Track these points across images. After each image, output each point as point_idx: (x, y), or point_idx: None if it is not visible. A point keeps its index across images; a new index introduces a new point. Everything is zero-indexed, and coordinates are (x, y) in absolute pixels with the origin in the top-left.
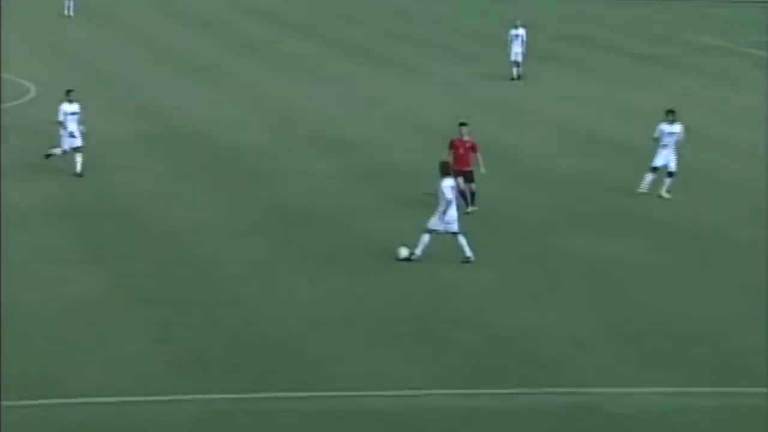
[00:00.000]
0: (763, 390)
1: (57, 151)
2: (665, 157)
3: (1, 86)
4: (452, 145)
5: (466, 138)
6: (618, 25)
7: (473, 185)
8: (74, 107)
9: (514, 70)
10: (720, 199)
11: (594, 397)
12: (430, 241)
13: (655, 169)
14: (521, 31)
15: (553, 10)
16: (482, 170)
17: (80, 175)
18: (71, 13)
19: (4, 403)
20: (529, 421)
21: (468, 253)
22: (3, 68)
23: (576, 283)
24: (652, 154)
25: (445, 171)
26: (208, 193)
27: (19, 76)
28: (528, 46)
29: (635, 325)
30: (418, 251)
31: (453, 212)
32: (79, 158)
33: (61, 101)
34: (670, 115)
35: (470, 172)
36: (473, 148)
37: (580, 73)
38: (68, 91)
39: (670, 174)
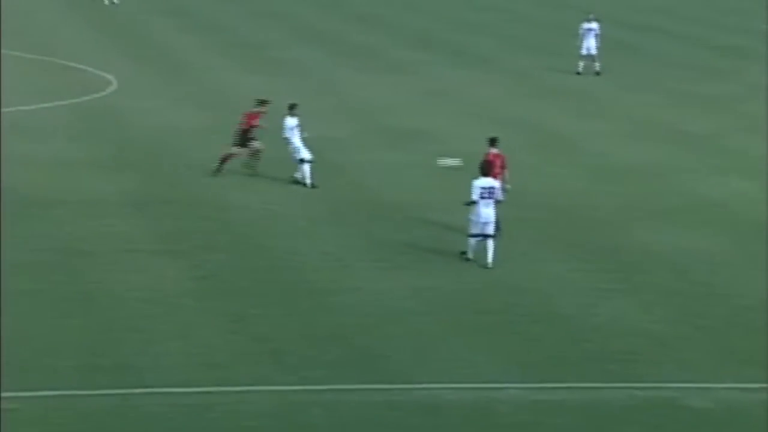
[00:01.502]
0: None
1: (299, 176)
2: None
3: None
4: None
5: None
6: (689, 16)
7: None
8: (296, 120)
9: (581, 64)
10: None
11: (672, 392)
12: (479, 244)
13: None
14: (594, 25)
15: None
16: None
17: (314, 186)
18: (116, 1)
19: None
20: (607, 416)
21: (488, 260)
22: (80, 60)
23: (651, 277)
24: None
25: (482, 171)
26: (283, 184)
27: (98, 68)
28: (601, 39)
29: (713, 319)
30: (470, 254)
31: (482, 213)
32: (307, 169)
33: (284, 115)
34: None
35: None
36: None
37: (653, 64)
38: (291, 105)
39: None
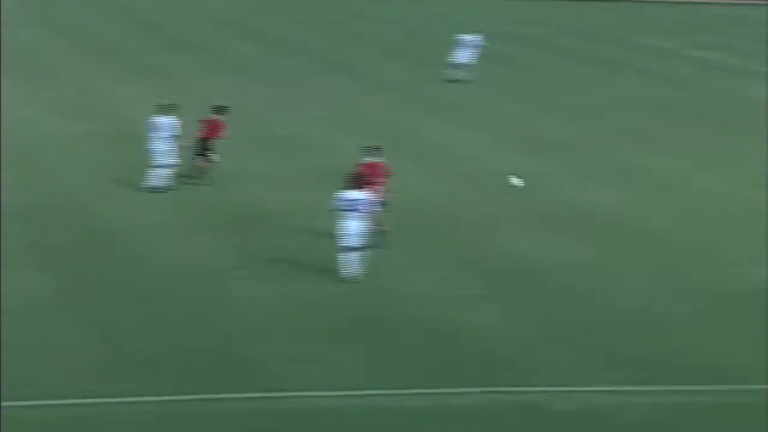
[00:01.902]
0: (707, 387)
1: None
2: None
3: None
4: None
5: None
6: (566, 27)
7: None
8: (165, 122)
9: (455, 72)
10: (661, 198)
11: (535, 396)
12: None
13: None
14: (471, 36)
15: (501, 12)
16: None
17: (171, 190)
18: None
19: None
20: (473, 420)
21: (351, 272)
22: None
23: (517, 282)
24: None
25: (350, 182)
26: (153, 193)
27: None
28: (479, 49)
29: (576, 323)
30: (340, 266)
31: (345, 225)
32: (164, 173)
33: (152, 117)
34: None
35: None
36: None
37: (525, 74)
38: (163, 106)
39: None
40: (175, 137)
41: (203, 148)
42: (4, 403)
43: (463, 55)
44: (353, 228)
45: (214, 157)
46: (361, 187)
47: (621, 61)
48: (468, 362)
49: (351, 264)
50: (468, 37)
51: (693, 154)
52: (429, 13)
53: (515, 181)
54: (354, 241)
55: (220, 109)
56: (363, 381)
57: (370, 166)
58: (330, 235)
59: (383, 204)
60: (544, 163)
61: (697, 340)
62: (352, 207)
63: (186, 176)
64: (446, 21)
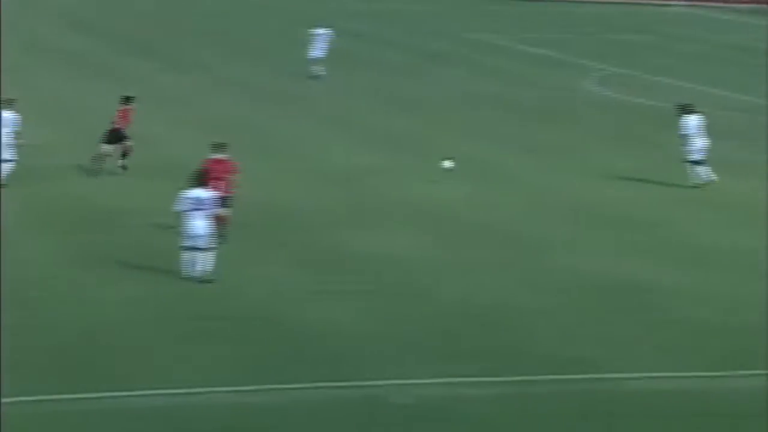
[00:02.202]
0: (548, 377)
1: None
2: None
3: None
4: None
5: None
6: (395, 22)
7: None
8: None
9: (318, 68)
10: (499, 193)
11: (376, 390)
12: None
13: None
14: (322, 30)
15: (333, 7)
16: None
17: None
18: None
19: None
20: (314, 415)
21: (196, 271)
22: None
23: (361, 278)
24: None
25: (195, 180)
26: None
27: None
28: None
29: (417, 318)
30: (183, 266)
31: (190, 225)
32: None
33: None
34: None
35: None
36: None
37: (365, 69)
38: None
39: None
40: (16, 133)
41: (118, 137)
42: None
43: (318, 50)
44: (198, 227)
45: (130, 143)
46: (207, 185)
47: (452, 55)
48: (309, 358)
49: (196, 263)
50: (321, 31)
51: (523, 146)
52: (258, 6)
53: (447, 164)
54: (200, 241)
55: (127, 99)
56: (206, 378)
57: (216, 162)
58: (174, 234)
59: (228, 200)
60: (385, 158)
61: (541, 332)
62: (197, 206)
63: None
64: (278, 14)
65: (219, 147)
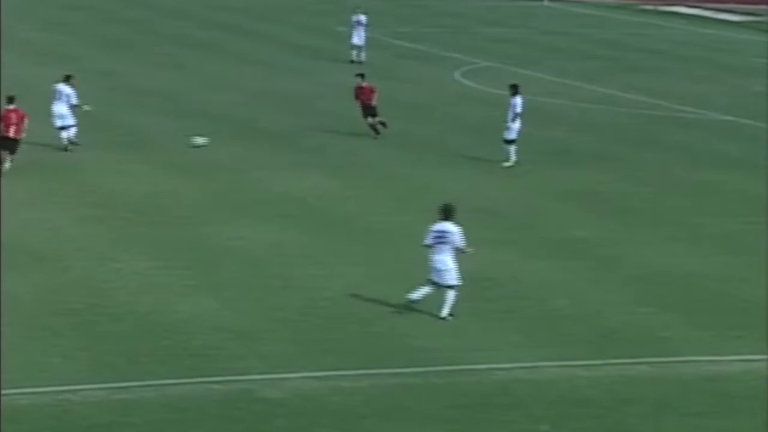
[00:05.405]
0: (418, 369)
1: None
2: None
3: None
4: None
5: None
6: (266, 16)
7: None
8: None
9: (353, 53)
10: (366, 186)
11: (249, 384)
12: None
13: None
14: (363, 17)
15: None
16: None
17: None
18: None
19: None
20: (185, 411)
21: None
22: None
23: (231, 272)
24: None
25: None
26: None
27: None
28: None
29: (290, 311)
30: None
31: None
32: None
33: None
34: None
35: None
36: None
37: (230, 62)
38: None
39: None
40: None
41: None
42: None
43: (359, 35)
44: None
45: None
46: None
47: (323, 49)
48: (181, 353)
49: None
50: (360, 17)
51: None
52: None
53: (200, 140)
54: None
55: (11, 99)
56: (71, 375)
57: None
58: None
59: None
60: (251, 151)
61: (413, 324)
62: None
63: None
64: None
65: (11, 100)
